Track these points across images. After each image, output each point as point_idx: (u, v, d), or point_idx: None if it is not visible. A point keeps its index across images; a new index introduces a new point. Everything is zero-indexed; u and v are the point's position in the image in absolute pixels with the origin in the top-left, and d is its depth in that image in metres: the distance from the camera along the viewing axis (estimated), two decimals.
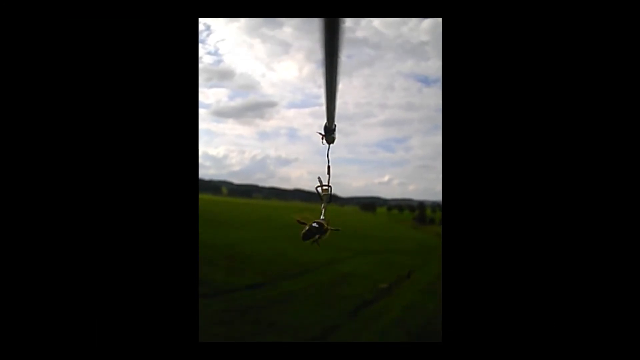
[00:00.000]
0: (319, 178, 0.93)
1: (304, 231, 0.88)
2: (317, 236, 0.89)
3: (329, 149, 0.90)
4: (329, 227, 0.90)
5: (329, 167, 0.92)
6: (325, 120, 0.82)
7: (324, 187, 0.93)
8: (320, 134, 0.87)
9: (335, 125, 0.84)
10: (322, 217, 0.91)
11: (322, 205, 0.93)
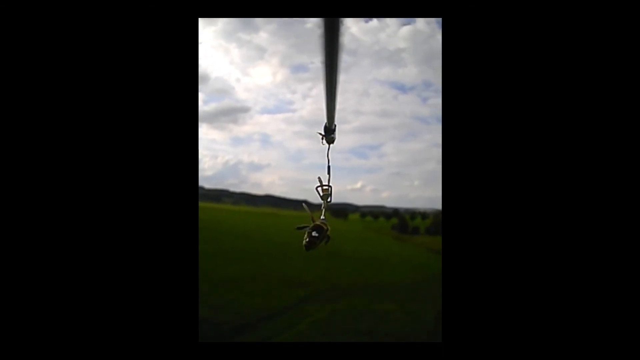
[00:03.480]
0: (319, 178, 0.92)
1: (305, 242, 0.83)
2: (322, 241, 0.86)
3: (328, 149, 0.90)
4: (328, 229, 0.89)
5: (329, 167, 0.91)
6: (325, 121, 0.82)
7: (324, 187, 0.92)
8: (320, 134, 0.87)
9: (335, 126, 0.84)
10: (322, 217, 0.91)
11: (322, 206, 0.92)
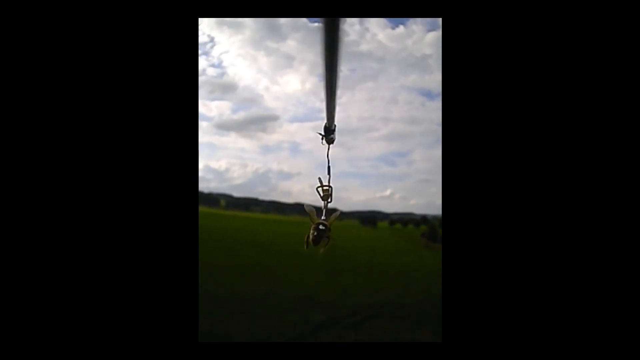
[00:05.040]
0: (319, 178, 0.92)
1: (312, 237, 0.84)
2: (326, 239, 0.87)
3: (328, 149, 0.90)
4: (330, 228, 0.89)
5: (329, 167, 0.91)
6: (325, 121, 0.82)
7: (325, 188, 0.92)
8: (320, 134, 0.87)
9: (335, 126, 0.84)
10: (323, 217, 0.91)
11: (323, 205, 0.92)
